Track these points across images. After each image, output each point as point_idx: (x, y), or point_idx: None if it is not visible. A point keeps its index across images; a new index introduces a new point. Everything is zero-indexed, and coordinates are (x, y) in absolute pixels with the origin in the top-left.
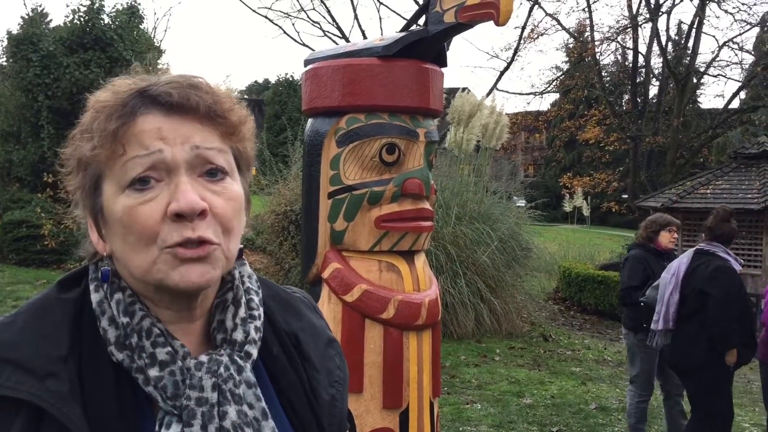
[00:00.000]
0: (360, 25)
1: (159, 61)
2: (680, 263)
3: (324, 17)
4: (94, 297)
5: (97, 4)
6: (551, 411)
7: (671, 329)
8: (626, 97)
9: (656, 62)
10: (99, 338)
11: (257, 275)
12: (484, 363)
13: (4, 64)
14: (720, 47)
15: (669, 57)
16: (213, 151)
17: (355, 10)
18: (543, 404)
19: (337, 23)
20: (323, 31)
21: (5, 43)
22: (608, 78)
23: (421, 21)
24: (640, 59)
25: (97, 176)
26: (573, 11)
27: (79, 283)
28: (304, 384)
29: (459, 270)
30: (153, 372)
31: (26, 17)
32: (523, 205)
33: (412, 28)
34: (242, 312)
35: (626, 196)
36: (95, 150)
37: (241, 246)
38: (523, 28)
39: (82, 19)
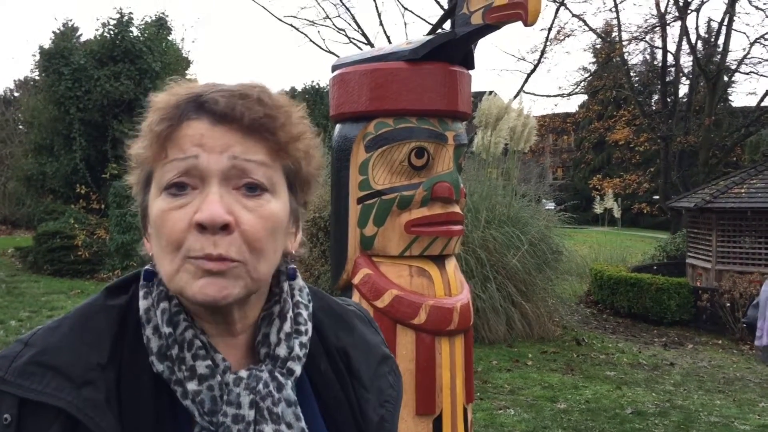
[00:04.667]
0: (385, 31)
1: (187, 72)
2: None
3: (349, 24)
4: (142, 304)
5: (126, 17)
6: (586, 416)
7: None
8: (656, 96)
9: (686, 61)
10: (141, 347)
11: (310, 286)
12: (516, 368)
13: (37, 78)
14: (751, 44)
15: (699, 55)
16: (253, 164)
17: (380, 16)
18: (577, 409)
19: (362, 30)
20: (348, 38)
21: (37, 57)
22: (637, 78)
23: (447, 25)
24: (670, 58)
25: (148, 174)
26: (600, 11)
27: (127, 290)
28: (351, 402)
29: (489, 274)
30: (191, 386)
31: (57, 32)
32: (553, 207)
33: (438, 31)
34: (287, 326)
35: (658, 197)
36: (144, 150)
37: (293, 266)
38: (550, 29)
39: (111, 32)
